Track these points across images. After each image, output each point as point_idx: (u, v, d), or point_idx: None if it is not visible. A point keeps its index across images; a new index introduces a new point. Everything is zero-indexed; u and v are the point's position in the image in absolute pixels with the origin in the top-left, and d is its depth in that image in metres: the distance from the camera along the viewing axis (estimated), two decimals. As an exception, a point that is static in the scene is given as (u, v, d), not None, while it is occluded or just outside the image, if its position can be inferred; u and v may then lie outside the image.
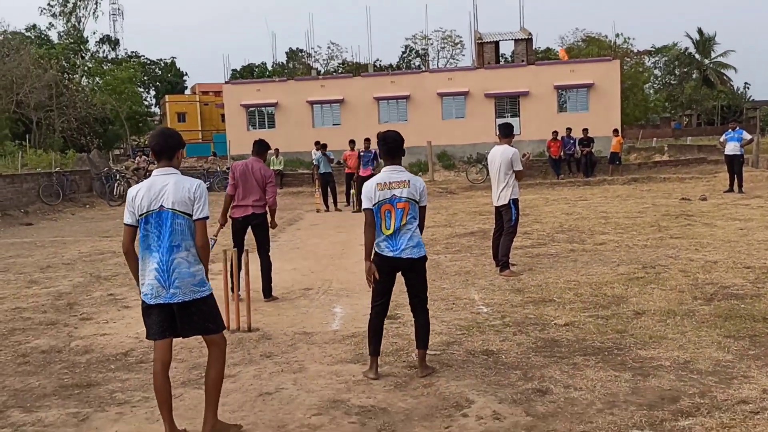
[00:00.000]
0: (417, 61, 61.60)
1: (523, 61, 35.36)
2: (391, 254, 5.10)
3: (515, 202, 8.92)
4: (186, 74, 71.83)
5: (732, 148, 18.12)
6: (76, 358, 6.03)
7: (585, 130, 26.18)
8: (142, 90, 57.23)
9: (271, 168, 26.85)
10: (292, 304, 7.84)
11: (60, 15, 53.36)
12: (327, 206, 19.25)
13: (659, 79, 66.34)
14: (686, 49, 67.01)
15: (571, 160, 26.26)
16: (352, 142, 19.81)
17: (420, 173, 26.58)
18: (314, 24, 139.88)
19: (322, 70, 52.93)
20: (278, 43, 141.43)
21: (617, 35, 50.61)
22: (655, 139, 48.34)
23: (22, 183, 20.65)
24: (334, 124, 33.49)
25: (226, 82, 37.05)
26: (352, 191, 19.08)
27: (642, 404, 4.45)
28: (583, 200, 18.20)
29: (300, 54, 62.02)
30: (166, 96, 57.12)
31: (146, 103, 58.33)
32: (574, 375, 5.04)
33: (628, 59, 43.53)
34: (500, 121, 28.12)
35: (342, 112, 33.73)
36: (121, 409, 4.77)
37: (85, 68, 46.46)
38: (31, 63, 33.03)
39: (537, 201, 18.38)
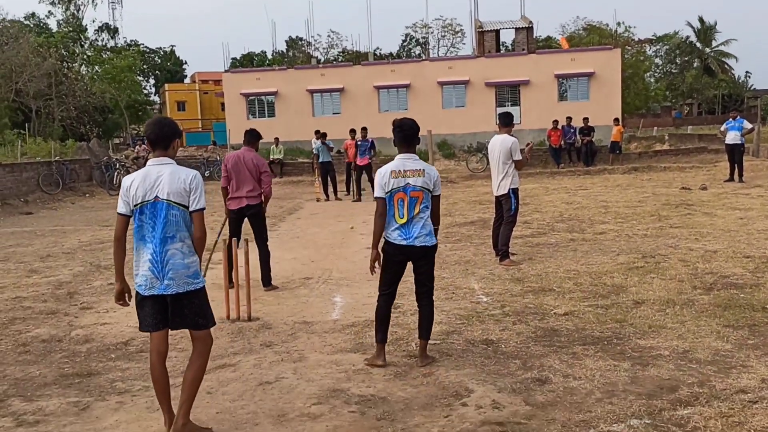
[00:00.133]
0: (417, 50, 61.34)
1: (523, 49, 35.21)
2: (404, 242, 5.08)
3: (515, 191, 8.91)
4: (185, 63, 71.49)
5: (733, 137, 18.09)
6: (76, 347, 6.04)
7: (585, 119, 26.15)
8: (141, 79, 56.96)
9: (271, 157, 27.15)
10: (292, 293, 7.85)
11: (59, 3, 53.12)
12: (327, 195, 19.25)
13: (660, 67, 66.04)
14: (687, 37, 66.79)
15: (572, 150, 26.24)
16: (352, 132, 19.78)
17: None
18: (314, 12, 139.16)
19: (322, 59, 52.70)
20: (278, 32, 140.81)
21: (618, 24, 50.46)
22: (655, 128, 48.23)
23: (21, 172, 20.63)
24: (334, 113, 33.39)
25: (226, 71, 36.90)
26: (353, 179, 19.10)
27: (641, 393, 4.47)
28: (583, 189, 18.20)
29: (300, 42, 61.77)
30: (166, 85, 56.86)
31: (146, 91, 58.06)
32: (574, 364, 5.05)
33: (629, 48, 43.29)
34: (501, 109, 28.11)
35: (342, 101, 33.62)
36: (122, 398, 4.78)
37: (85, 57, 46.26)
38: (30, 51, 32.89)
39: (537, 190, 18.37)
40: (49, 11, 56.98)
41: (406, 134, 5.21)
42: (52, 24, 52.73)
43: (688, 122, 57.48)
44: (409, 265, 5.26)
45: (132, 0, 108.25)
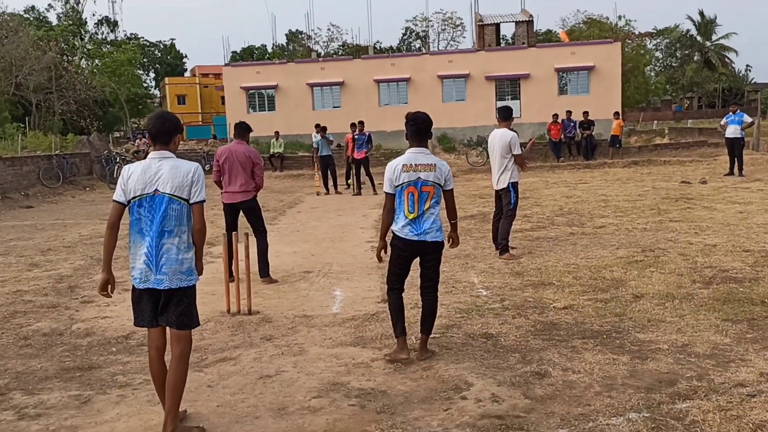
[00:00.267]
0: (417, 44, 61.22)
1: (523, 43, 35.13)
2: (415, 238, 5.09)
3: (514, 185, 8.91)
4: (185, 56, 71.48)
5: (733, 131, 18.08)
6: (77, 340, 6.06)
7: (585, 113, 26.11)
8: (141, 72, 56.93)
9: (272, 151, 27.16)
10: (293, 287, 7.87)
11: (58, -4, 53.07)
12: (327, 189, 19.25)
13: (660, 61, 65.99)
14: (688, 31, 66.68)
15: (572, 143, 26.21)
16: (353, 125, 19.77)
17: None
18: (314, 6, 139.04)
19: (322, 53, 52.60)
20: (278, 25, 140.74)
21: (619, 17, 50.43)
22: (655, 121, 48.23)
23: (22, 166, 20.61)
24: (334, 107, 33.34)
25: (226, 65, 36.82)
26: (352, 173, 19.09)
27: (640, 387, 4.49)
28: (583, 183, 18.20)
29: (300, 36, 61.70)
30: (166, 78, 56.80)
31: (146, 85, 58.01)
32: (573, 358, 5.07)
33: (630, 41, 43.27)
34: (501, 103, 28.08)
35: (342, 95, 33.57)
36: (123, 391, 4.80)
37: (85, 50, 46.21)
38: (30, 45, 32.85)
39: (537, 184, 18.37)
40: (48, 4, 57.16)
41: (419, 127, 5.19)
42: (52, 17, 52.76)
43: (688, 116, 57.48)
44: (415, 260, 5.27)
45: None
